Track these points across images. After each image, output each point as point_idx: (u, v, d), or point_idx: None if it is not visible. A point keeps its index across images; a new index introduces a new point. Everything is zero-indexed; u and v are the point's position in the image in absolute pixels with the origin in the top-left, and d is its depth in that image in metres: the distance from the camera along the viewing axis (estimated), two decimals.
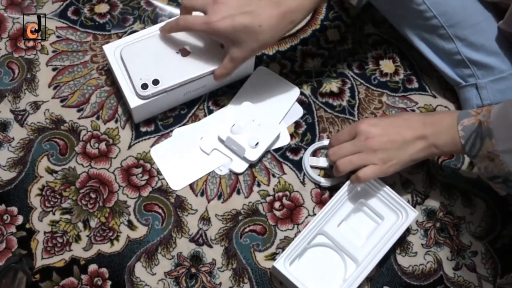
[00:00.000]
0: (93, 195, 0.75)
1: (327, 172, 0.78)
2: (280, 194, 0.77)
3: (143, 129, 0.79)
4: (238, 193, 0.77)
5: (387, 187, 0.74)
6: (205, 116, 0.81)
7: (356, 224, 0.75)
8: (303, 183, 0.78)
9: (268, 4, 0.68)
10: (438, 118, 0.69)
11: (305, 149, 0.80)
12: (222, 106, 0.81)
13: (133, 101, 0.74)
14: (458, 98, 0.83)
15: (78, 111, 0.80)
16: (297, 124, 0.82)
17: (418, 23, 0.80)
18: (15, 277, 0.68)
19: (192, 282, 0.72)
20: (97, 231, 0.74)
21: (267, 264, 0.74)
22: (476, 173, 0.80)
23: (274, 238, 0.75)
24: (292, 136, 0.81)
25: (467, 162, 0.81)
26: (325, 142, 0.79)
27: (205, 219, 0.75)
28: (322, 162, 0.78)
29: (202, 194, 0.76)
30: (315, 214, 0.76)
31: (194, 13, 0.73)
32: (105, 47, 0.77)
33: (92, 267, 0.72)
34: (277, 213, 0.76)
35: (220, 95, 0.82)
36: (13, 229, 0.73)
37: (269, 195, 0.77)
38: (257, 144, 0.77)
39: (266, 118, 0.79)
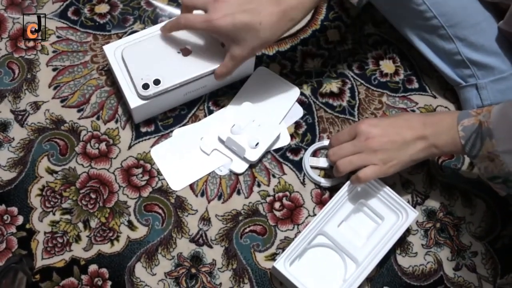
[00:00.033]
0: (93, 196, 0.75)
1: (327, 172, 0.78)
2: (280, 194, 0.77)
3: (143, 130, 0.79)
4: (238, 193, 0.77)
5: (387, 187, 0.74)
6: (205, 116, 0.81)
7: (356, 225, 0.75)
8: (303, 183, 0.78)
9: (268, 2, 0.68)
10: (438, 119, 0.69)
11: (305, 150, 0.80)
12: (222, 107, 0.81)
13: (133, 101, 0.74)
14: (458, 98, 0.83)
15: (78, 111, 0.80)
16: (297, 125, 0.82)
17: (418, 23, 0.80)
18: (15, 277, 0.68)
19: (192, 283, 0.72)
20: (97, 232, 0.74)
21: (267, 265, 0.74)
22: (476, 174, 0.80)
23: (274, 239, 0.75)
24: (292, 136, 0.81)
25: (467, 163, 0.81)
26: (325, 142, 0.79)
27: (205, 219, 0.75)
28: (322, 162, 0.78)
29: (202, 195, 0.76)
30: (315, 215, 0.76)
31: (195, 12, 0.73)
32: (105, 47, 0.77)
33: (92, 267, 0.72)
34: (277, 214, 0.76)
35: (220, 95, 0.82)
36: (13, 229, 0.73)
37: (269, 196, 0.77)
38: (257, 144, 0.77)
39: (266, 118, 0.78)
